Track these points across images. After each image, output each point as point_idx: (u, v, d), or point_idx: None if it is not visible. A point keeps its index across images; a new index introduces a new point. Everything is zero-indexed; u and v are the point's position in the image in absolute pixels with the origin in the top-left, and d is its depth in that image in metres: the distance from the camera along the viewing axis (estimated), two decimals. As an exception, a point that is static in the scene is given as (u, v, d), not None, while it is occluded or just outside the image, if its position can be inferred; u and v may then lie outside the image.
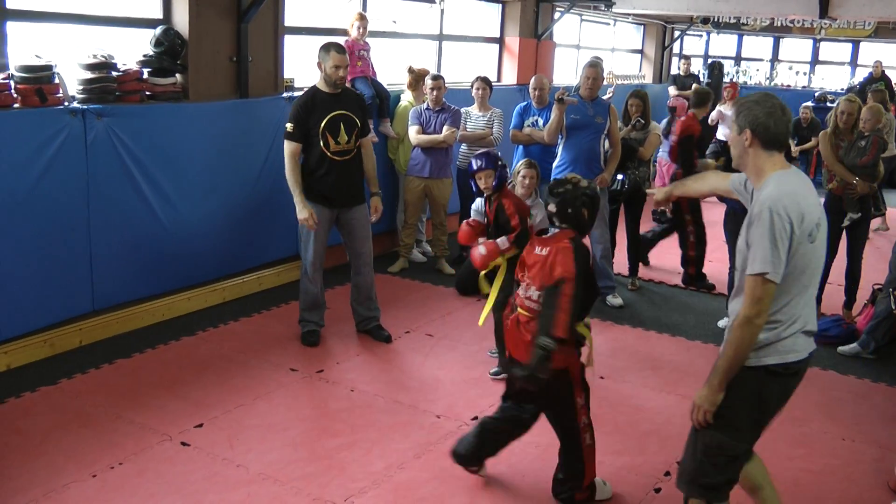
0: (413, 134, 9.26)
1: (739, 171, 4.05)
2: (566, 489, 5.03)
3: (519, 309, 4.88)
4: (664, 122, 12.20)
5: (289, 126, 6.83)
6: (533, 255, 4.84)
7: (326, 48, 6.83)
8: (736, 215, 7.88)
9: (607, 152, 8.65)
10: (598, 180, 8.40)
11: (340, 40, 9.10)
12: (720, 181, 4.49)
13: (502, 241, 6.18)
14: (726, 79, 19.17)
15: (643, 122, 9.46)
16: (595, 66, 8.55)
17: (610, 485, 5.24)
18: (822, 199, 8.11)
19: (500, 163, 6.39)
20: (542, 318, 4.61)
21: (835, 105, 8.68)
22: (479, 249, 6.19)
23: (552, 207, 4.82)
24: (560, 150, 8.62)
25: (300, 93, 8.66)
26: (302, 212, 6.85)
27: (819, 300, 8.30)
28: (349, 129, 6.94)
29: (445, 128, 9.16)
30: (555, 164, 8.65)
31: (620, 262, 9.47)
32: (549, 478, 5.16)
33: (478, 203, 7.39)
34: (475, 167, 6.38)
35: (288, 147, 6.86)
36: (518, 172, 7.97)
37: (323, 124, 6.81)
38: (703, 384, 3.95)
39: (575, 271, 4.57)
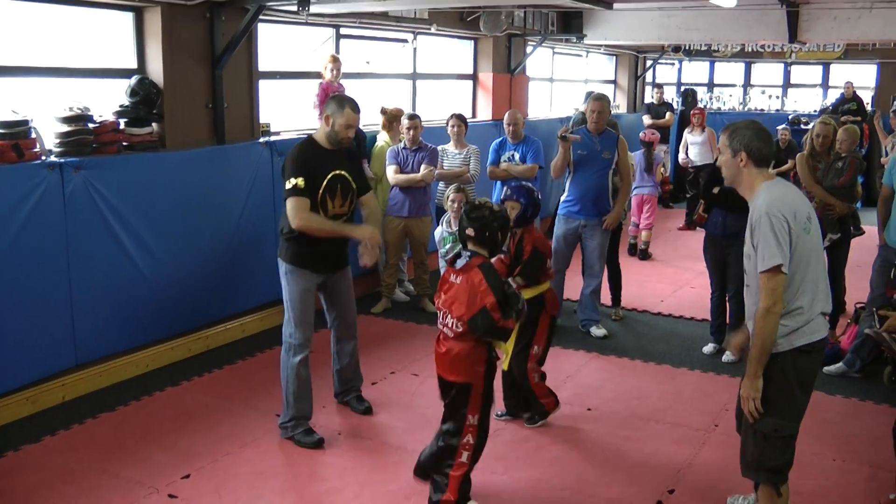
0: (391, 174, 9.28)
1: (732, 185, 4.62)
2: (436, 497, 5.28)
3: (443, 329, 5.20)
4: (639, 153, 12.29)
5: (297, 181, 5.90)
6: (448, 282, 5.14)
7: (340, 103, 6.11)
8: (715, 241, 7.92)
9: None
10: (605, 225, 8.44)
11: (315, 83, 9.19)
12: (768, 315, 4.34)
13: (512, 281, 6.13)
14: (700, 105, 19.31)
15: None
16: (600, 100, 8.61)
17: None
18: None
19: (531, 198, 6.55)
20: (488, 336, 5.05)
21: (810, 128, 8.76)
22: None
23: (470, 231, 5.12)
24: (567, 185, 8.66)
25: (277, 138, 8.74)
26: (363, 231, 6.14)
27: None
28: (345, 193, 6.18)
29: (423, 166, 9.18)
30: (562, 199, 8.72)
31: (603, 294, 9.48)
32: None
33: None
34: (503, 196, 6.71)
35: (300, 203, 5.93)
36: (448, 197, 8.27)
37: (323, 185, 6.04)
38: (743, 377, 4.47)
39: (494, 298, 4.91)
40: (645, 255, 12.32)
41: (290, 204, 5.95)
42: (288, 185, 5.94)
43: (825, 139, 8.38)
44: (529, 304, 5.87)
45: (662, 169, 12.46)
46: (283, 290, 6.27)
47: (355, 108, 6.15)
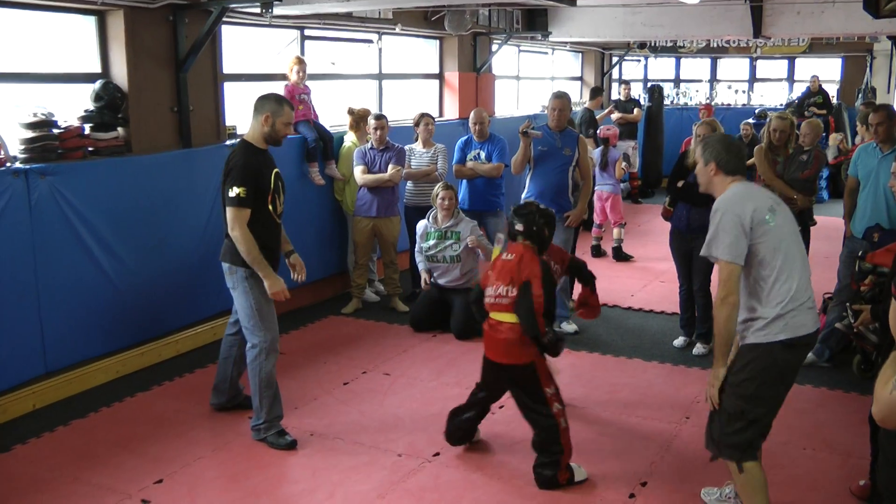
0: (358, 174, 9.28)
1: (706, 192, 5.00)
2: (548, 472, 5.52)
3: (491, 314, 5.61)
4: (597, 151, 12.28)
5: (240, 190, 5.81)
6: (500, 260, 5.68)
7: (279, 101, 6.06)
8: (680, 234, 7.97)
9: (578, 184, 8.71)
10: (569, 221, 8.44)
11: (280, 85, 9.17)
12: (725, 306, 4.66)
13: None
14: (667, 101, 19.41)
15: None
16: (561, 98, 8.62)
17: (584, 469, 5.68)
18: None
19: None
20: (524, 322, 5.42)
21: (767, 122, 8.80)
22: None
23: (519, 227, 5.65)
24: (528, 181, 8.67)
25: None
26: (276, 283, 5.99)
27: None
28: (284, 190, 6.27)
29: (390, 166, 9.19)
30: (523, 196, 8.71)
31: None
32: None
33: (423, 224, 8.62)
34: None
35: (240, 215, 5.85)
36: (436, 195, 8.33)
37: (272, 185, 6.03)
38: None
39: (540, 273, 5.39)
40: (620, 255, 12.10)
41: (232, 213, 5.85)
42: (231, 194, 5.83)
43: (782, 133, 8.43)
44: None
45: (625, 165, 12.42)
46: (239, 298, 6.12)
47: (291, 105, 6.20)
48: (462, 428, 6.05)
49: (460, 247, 8.63)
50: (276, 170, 6.14)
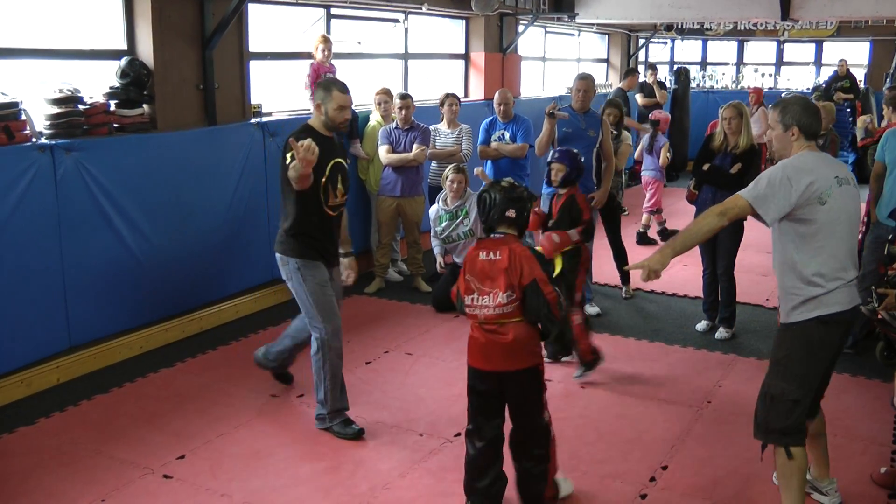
0: (383, 153, 9.27)
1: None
2: (534, 488, 5.00)
3: (484, 324, 4.80)
4: (645, 137, 12.26)
5: (289, 157, 5.58)
6: (480, 261, 4.81)
7: (327, 87, 5.84)
8: None
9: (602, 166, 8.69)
10: (594, 203, 8.43)
11: (306, 64, 9.17)
12: (716, 219, 4.66)
13: (573, 233, 6.99)
14: (693, 84, 19.28)
15: (616, 132, 9.53)
16: (585, 79, 8.62)
17: (570, 481, 5.34)
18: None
19: (575, 162, 7.23)
20: (551, 325, 4.80)
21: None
22: (553, 238, 6.97)
23: (511, 213, 4.84)
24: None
25: (268, 118, 8.73)
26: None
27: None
28: (344, 181, 5.95)
29: (415, 146, 9.18)
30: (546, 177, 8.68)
31: (605, 272, 9.45)
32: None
33: (434, 209, 8.86)
34: (550, 158, 7.38)
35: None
36: (447, 178, 8.36)
37: (326, 174, 5.77)
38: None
39: (541, 269, 4.73)
40: (644, 240, 11.98)
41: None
42: (287, 162, 5.58)
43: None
44: (571, 255, 6.97)
45: (669, 154, 12.32)
46: (295, 289, 5.96)
47: (343, 88, 5.87)
48: (491, 496, 5.00)
49: (471, 221, 8.68)
50: (337, 160, 5.86)
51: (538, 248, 6.40)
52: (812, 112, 4.68)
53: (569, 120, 8.40)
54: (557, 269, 6.77)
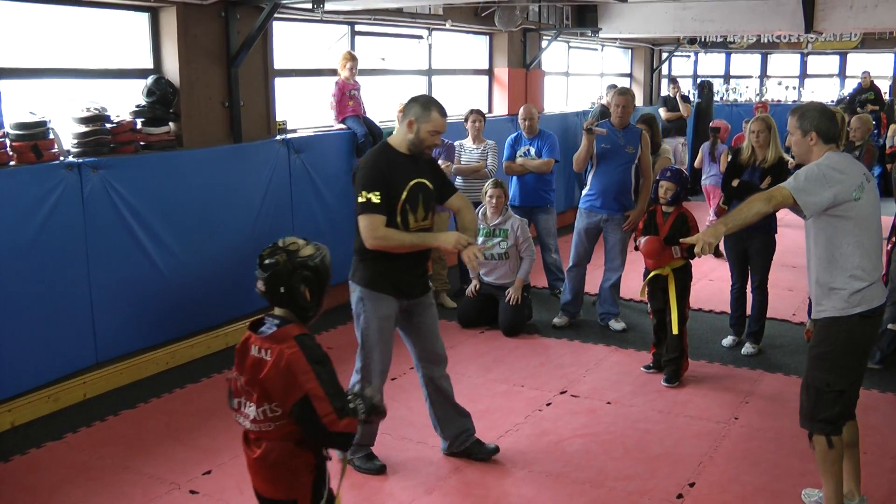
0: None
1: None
2: None
3: (245, 424, 3.67)
4: (706, 144, 12.30)
5: (371, 195, 5.15)
6: (251, 356, 3.59)
7: (427, 107, 5.33)
8: (735, 233, 7.86)
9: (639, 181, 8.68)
10: (626, 224, 8.42)
11: (330, 81, 9.20)
12: (763, 204, 4.80)
13: (675, 250, 7.13)
14: (716, 97, 19.24)
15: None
16: (625, 94, 8.58)
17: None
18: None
19: (684, 182, 7.39)
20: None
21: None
22: (674, 251, 7.17)
23: (260, 286, 3.66)
24: (590, 178, 8.63)
25: (293, 135, 8.76)
26: (446, 239, 5.31)
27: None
28: (427, 203, 5.41)
29: (440, 162, 9.17)
30: (584, 193, 8.69)
31: (631, 288, 9.40)
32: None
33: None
34: (661, 176, 7.42)
35: (374, 221, 5.18)
36: (486, 192, 8.32)
37: (403, 196, 5.27)
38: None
39: (319, 384, 3.45)
40: (718, 252, 10.95)
41: (363, 222, 5.21)
42: (360, 200, 5.18)
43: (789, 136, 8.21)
44: (682, 273, 7.18)
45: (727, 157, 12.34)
46: (355, 320, 5.56)
47: (443, 112, 5.37)
48: None
49: (508, 244, 8.60)
50: (417, 179, 5.35)
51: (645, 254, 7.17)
52: (829, 117, 4.85)
53: (607, 135, 8.37)
54: (671, 287, 7.20)
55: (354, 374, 5.65)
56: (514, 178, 9.65)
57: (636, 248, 7.52)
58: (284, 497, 3.63)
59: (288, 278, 3.58)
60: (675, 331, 7.21)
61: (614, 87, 9.24)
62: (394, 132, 5.60)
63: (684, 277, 7.35)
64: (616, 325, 8.72)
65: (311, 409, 3.41)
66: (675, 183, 7.29)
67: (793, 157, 5.36)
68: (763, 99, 20.01)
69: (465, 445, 5.91)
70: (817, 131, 4.81)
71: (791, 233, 8.57)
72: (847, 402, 4.89)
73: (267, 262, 3.64)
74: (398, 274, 5.41)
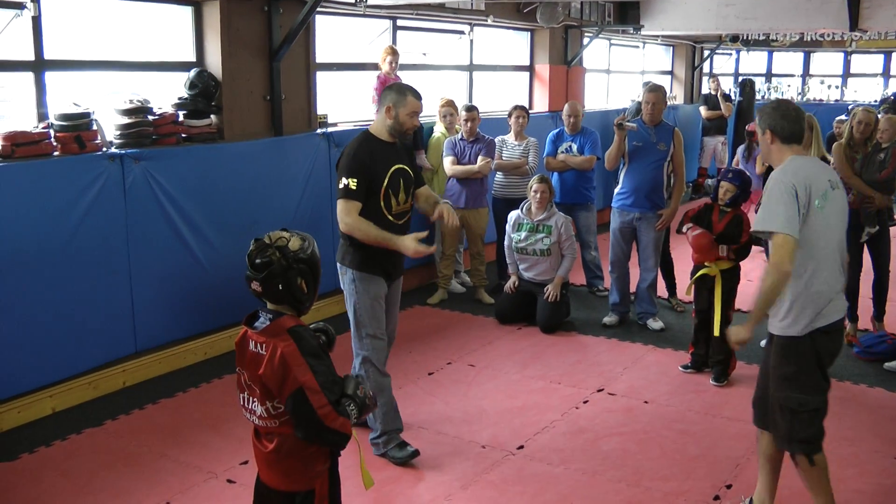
0: (448, 165, 9.29)
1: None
2: None
3: (251, 419, 3.74)
4: (742, 147, 12.26)
5: (350, 181, 5.49)
6: (248, 350, 3.61)
7: (401, 91, 5.69)
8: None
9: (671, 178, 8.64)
10: (659, 224, 8.39)
11: (371, 75, 9.23)
12: (776, 273, 4.51)
13: (722, 249, 7.16)
14: (758, 95, 19.08)
15: None
16: (655, 91, 8.54)
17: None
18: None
19: (746, 184, 7.33)
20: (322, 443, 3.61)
21: (850, 115, 8.43)
22: (722, 249, 7.20)
23: (256, 287, 3.64)
24: (622, 177, 8.59)
25: (334, 129, 8.79)
26: (406, 245, 5.54)
27: (855, 317, 8.20)
28: (407, 187, 5.76)
29: (480, 158, 9.17)
30: (616, 191, 8.64)
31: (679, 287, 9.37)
32: (597, 505, 5.12)
33: (515, 214, 8.77)
34: (722, 177, 7.38)
35: (349, 206, 5.51)
36: (531, 188, 8.29)
37: (386, 181, 5.60)
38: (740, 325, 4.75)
39: (314, 376, 3.45)
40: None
41: (340, 206, 5.57)
42: (340, 185, 5.54)
43: (867, 127, 7.97)
44: (730, 274, 7.15)
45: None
46: (347, 300, 5.82)
47: (417, 95, 5.71)
48: None
49: (551, 240, 8.58)
50: (398, 165, 5.68)
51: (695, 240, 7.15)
52: (789, 116, 4.64)
53: (639, 133, 8.33)
54: (718, 289, 7.20)
55: (356, 343, 5.82)
56: (555, 174, 9.62)
57: (679, 231, 7.53)
58: (303, 488, 3.63)
59: (284, 275, 3.57)
60: (716, 333, 7.16)
61: (648, 84, 9.17)
62: (373, 121, 5.90)
63: (731, 279, 7.30)
64: (654, 324, 8.68)
65: (305, 401, 3.40)
66: (735, 185, 7.22)
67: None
68: (761, 95, 19.71)
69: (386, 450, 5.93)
70: (772, 130, 4.65)
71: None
72: (822, 418, 4.73)
73: (259, 261, 3.60)
74: (385, 257, 5.71)
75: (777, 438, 4.82)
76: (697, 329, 7.49)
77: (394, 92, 5.70)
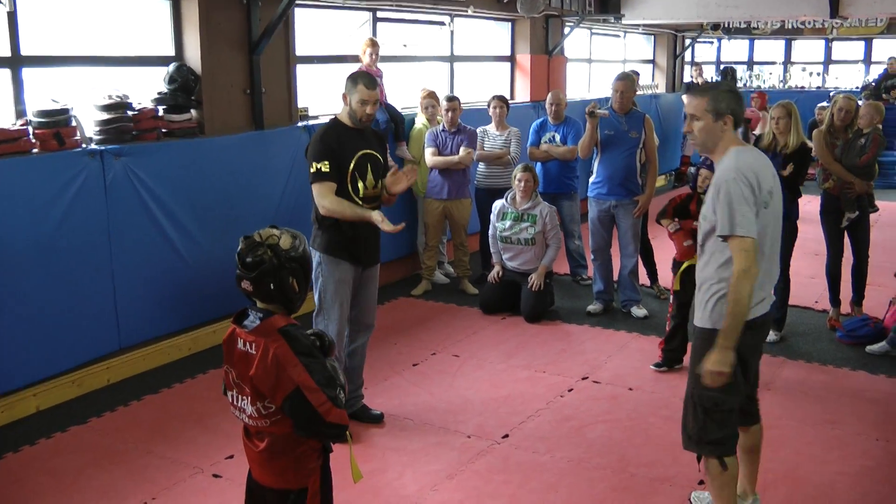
0: (429, 156, 9.27)
1: (705, 154, 4.63)
2: None
3: (241, 417, 3.65)
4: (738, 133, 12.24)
5: (321, 165, 5.68)
6: (237, 350, 3.54)
7: (354, 80, 5.83)
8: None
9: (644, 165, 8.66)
10: (637, 211, 8.42)
11: (352, 67, 9.19)
12: (744, 277, 4.18)
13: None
14: (739, 83, 19.12)
15: None
16: (623, 79, 8.57)
17: None
18: (820, 199, 8.01)
19: None
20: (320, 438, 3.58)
21: (831, 102, 8.47)
22: (687, 243, 7.01)
23: (247, 286, 3.53)
24: (595, 166, 8.62)
25: (315, 122, 8.78)
26: (374, 215, 5.70)
27: (837, 301, 8.28)
28: (376, 172, 5.91)
29: (462, 149, 9.16)
30: (591, 181, 8.67)
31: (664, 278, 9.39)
32: (586, 491, 5.14)
33: (500, 203, 8.77)
34: (702, 164, 7.17)
35: (323, 188, 5.71)
36: (515, 177, 8.31)
37: (352, 165, 5.78)
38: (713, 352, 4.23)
39: (308, 374, 3.37)
40: None
41: (315, 190, 5.75)
42: (311, 170, 5.73)
43: (847, 114, 8.03)
44: None
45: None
46: (314, 283, 5.93)
47: (368, 83, 5.79)
48: None
49: (536, 230, 8.59)
50: (365, 150, 5.85)
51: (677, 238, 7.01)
52: (740, 99, 4.42)
53: (610, 122, 8.36)
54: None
55: (316, 324, 5.94)
56: (538, 164, 9.63)
57: (658, 221, 7.47)
58: (295, 486, 3.58)
59: (276, 274, 3.48)
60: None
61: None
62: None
63: None
64: (638, 311, 8.70)
65: (304, 401, 3.34)
66: (712, 171, 7.16)
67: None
68: (761, 88, 19.76)
69: (354, 409, 6.12)
70: (733, 115, 4.33)
71: (814, 221, 8.50)
72: (736, 423, 4.50)
73: (250, 260, 3.51)
74: (353, 242, 5.89)
75: (685, 438, 4.58)
76: (675, 323, 7.29)
77: (349, 80, 5.87)
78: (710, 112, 4.31)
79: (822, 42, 20.76)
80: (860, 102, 8.45)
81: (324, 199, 5.71)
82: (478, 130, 9.56)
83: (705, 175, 7.08)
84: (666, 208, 7.40)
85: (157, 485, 5.40)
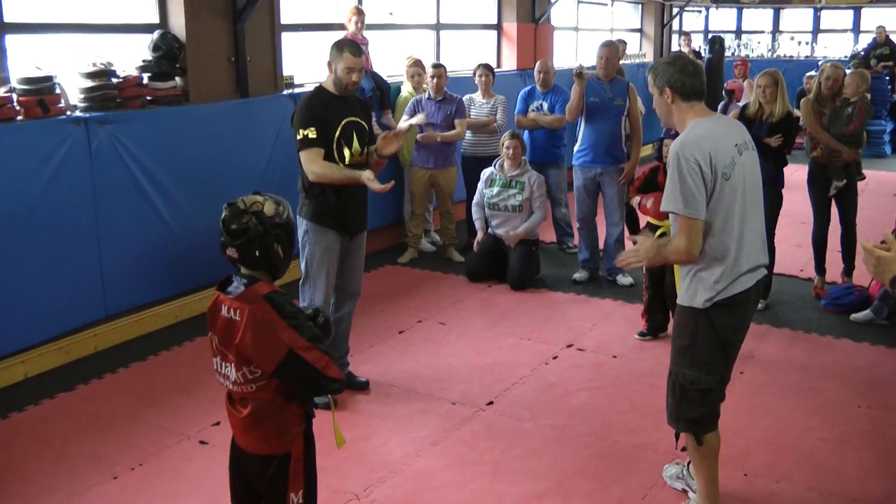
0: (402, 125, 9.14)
1: (669, 127, 4.53)
2: None
3: (226, 384, 3.63)
4: (720, 105, 12.28)
5: (308, 132, 5.70)
6: (221, 316, 3.54)
7: (339, 47, 5.82)
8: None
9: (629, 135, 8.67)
10: (622, 178, 8.42)
11: (338, 36, 9.16)
12: (679, 250, 4.24)
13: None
14: (728, 53, 19.10)
15: None
16: (608, 47, 8.57)
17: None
18: (807, 167, 8.02)
19: None
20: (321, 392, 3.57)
21: (819, 71, 8.46)
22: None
23: (232, 253, 3.50)
24: (580, 134, 8.62)
25: (300, 90, 8.75)
26: (361, 175, 5.68)
27: (822, 270, 8.30)
28: (361, 139, 5.92)
29: (457, 122, 9.12)
30: (576, 149, 8.66)
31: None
32: (569, 457, 5.18)
33: (489, 171, 8.76)
34: (665, 134, 7.09)
35: (311, 154, 5.73)
36: (503, 144, 8.32)
37: (337, 133, 5.81)
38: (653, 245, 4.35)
39: (298, 334, 3.38)
40: None
41: (303, 157, 5.77)
42: (298, 137, 5.75)
43: (835, 83, 8.00)
44: None
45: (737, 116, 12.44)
46: (300, 251, 6.01)
47: (354, 51, 5.81)
48: None
49: (523, 197, 8.61)
50: (350, 118, 5.86)
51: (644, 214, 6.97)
52: (687, 70, 4.25)
53: (595, 90, 8.36)
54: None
55: (303, 292, 6.08)
56: (526, 132, 9.62)
57: (633, 204, 7.46)
58: (278, 451, 3.57)
59: (261, 240, 3.45)
60: (678, 290, 7.07)
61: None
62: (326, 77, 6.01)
63: None
64: (623, 279, 8.73)
65: (299, 360, 3.35)
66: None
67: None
68: (743, 56, 19.71)
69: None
70: (671, 87, 4.23)
71: (801, 188, 8.53)
72: (716, 398, 4.48)
73: (235, 227, 3.48)
74: (340, 210, 5.91)
75: (667, 413, 4.61)
76: (650, 294, 7.24)
77: (334, 48, 5.87)
78: (656, 87, 4.33)
79: (811, 11, 20.72)
80: (847, 71, 8.45)
81: (313, 164, 5.73)
82: (464, 98, 9.53)
83: (670, 145, 7.03)
84: (629, 190, 7.43)
85: (144, 451, 5.43)
